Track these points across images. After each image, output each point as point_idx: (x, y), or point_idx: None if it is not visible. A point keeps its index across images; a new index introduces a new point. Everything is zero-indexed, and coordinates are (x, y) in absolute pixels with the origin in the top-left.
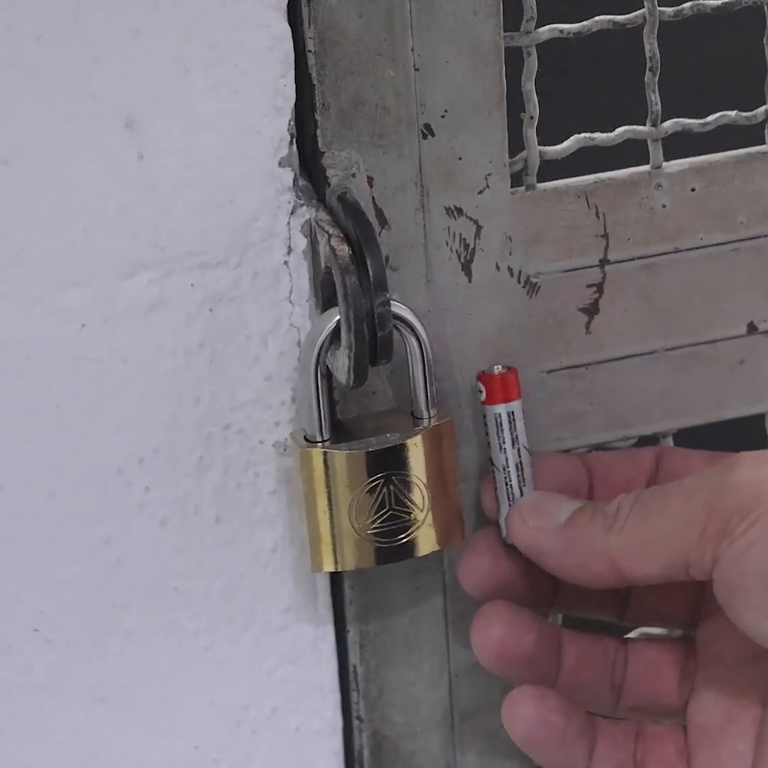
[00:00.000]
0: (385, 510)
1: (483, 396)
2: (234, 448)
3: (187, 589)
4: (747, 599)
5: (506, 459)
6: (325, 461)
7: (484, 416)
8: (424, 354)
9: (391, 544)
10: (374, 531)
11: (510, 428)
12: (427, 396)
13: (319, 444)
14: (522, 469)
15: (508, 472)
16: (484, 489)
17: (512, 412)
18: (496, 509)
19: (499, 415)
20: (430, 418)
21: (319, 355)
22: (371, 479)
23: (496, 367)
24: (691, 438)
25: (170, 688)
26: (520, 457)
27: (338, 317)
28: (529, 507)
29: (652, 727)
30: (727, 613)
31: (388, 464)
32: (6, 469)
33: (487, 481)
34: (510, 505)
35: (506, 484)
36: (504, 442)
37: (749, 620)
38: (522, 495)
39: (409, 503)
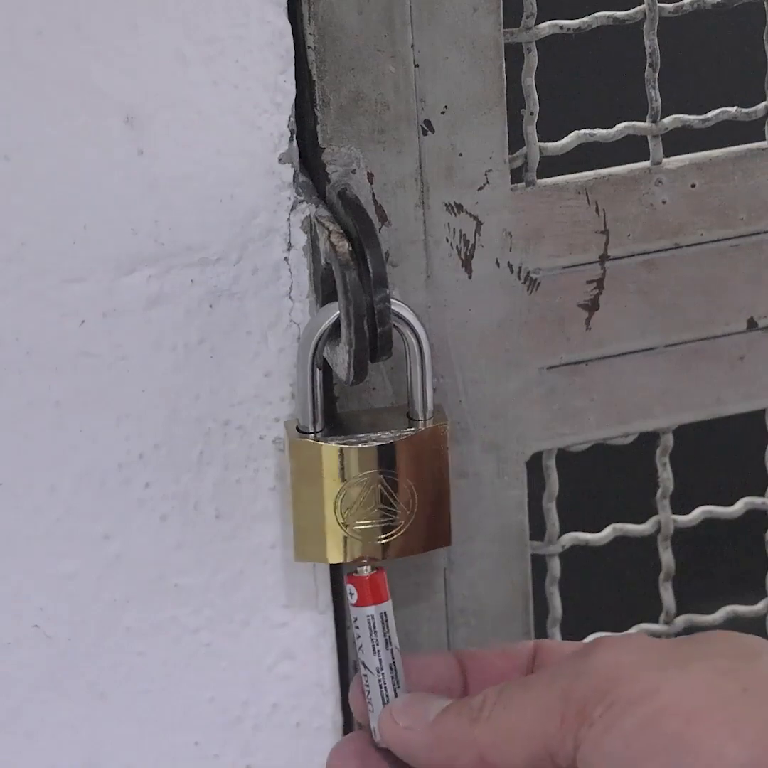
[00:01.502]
0: (371, 507)
1: (354, 598)
2: (234, 444)
3: (187, 585)
4: None
5: (380, 661)
6: (315, 453)
7: (356, 619)
8: (423, 355)
9: (375, 542)
10: (360, 527)
11: (383, 629)
12: (423, 398)
13: (311, 435)
14: (395, 670)
15: (383, 673)
16: (353, 693)
17: (384, 613)
18: (367, 712)
19: (372, 617)
20: (425, 420)
21: (315, 347)
22: (359, 475)
23: (363, 568)
24: (691, 434)
25: (170, 683)
26: (393, 658)
27: (338, 312)
28: (400, 707)
29: None
30: None
31: (377, 462)
32: (6, 464)
33: (356, 684)
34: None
35: (380, 687)
36: (377, 644)
37: None
38: (396, 696)
39: (395, 503)
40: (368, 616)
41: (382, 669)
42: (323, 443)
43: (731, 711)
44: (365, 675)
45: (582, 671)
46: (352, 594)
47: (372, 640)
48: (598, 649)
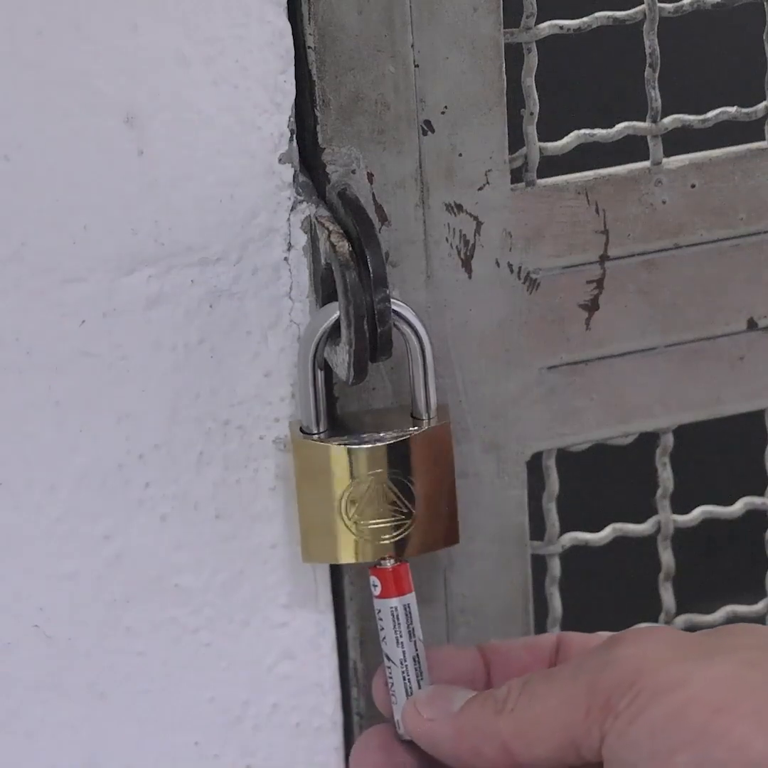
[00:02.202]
0: (375, 507)
1: (377, 590)
2: (234, 444)
3: (187, 585)
4: None
5: (404, 653)
6: (320, 453)
7: (379, 611)
8: (425, 355)
9: (381, 541)
10: (366, 527)
11: (407, 621)
12: (426, 397)
13: (315, 436)
14: (419, 662)
15: (406, 665)
16: (377, 685)
17: (408, 605)
18: (391, 704)
19: (395, 609)
20: (429, 419)
21: (316, 348)
22: (365, 475)
23: (386, 561)
24: (691, 434)
25: (170, 683)
26: (416, 650)
27: (337, 312)
28: (424, 699)
29: None
30: None
31: (380, 462)
32: (6, 464)
33: (379, 676)
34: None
35: (404, 679)
36: (401, 636)
37: None
38: (419, 688)
39: (399, 503)
40: (391, 607)
41: (405, 661)
42: (328, 443)
43: (757, 702)
44: (389, 667)
45: (607, 662)
46: (375, 586)
47: (395, 632)
48: (624, 642)
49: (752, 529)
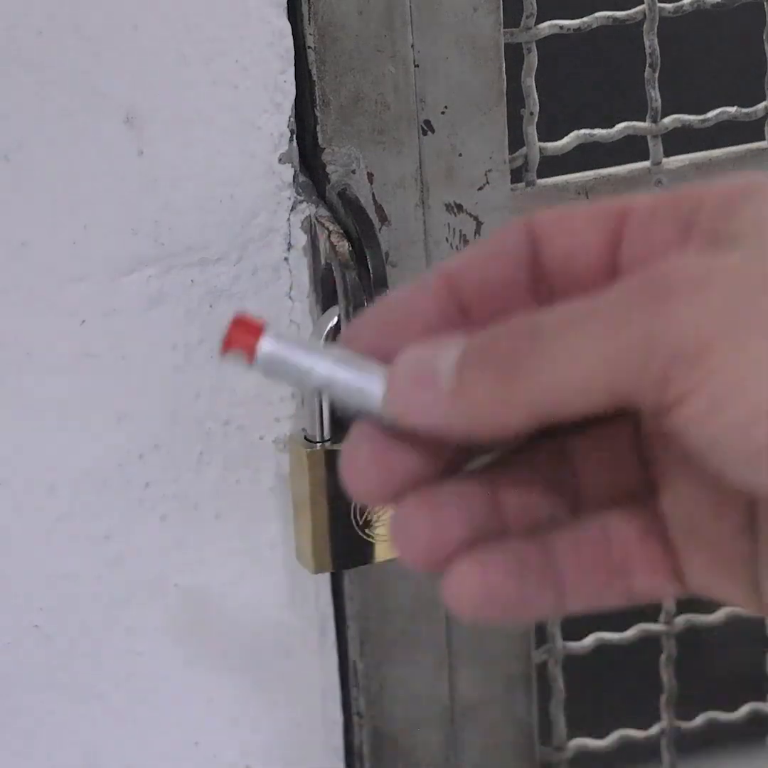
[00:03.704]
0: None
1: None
2: (234, 443)
3: (187, 585)
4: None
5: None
6: (330, 461)
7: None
8: None
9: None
10: (377, 527)
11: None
12: None
13: (320, 444)
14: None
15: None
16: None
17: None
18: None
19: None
20: None
21: None
22: None
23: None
24: None
25: (170, 684)
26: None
27: (337, 316)
28: (402, 375)
29: (625, 528)
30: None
31: None
32: (7, 464)
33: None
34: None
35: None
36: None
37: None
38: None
39: None
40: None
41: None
42: (336, 450)
43: None
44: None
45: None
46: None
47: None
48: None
49: None
